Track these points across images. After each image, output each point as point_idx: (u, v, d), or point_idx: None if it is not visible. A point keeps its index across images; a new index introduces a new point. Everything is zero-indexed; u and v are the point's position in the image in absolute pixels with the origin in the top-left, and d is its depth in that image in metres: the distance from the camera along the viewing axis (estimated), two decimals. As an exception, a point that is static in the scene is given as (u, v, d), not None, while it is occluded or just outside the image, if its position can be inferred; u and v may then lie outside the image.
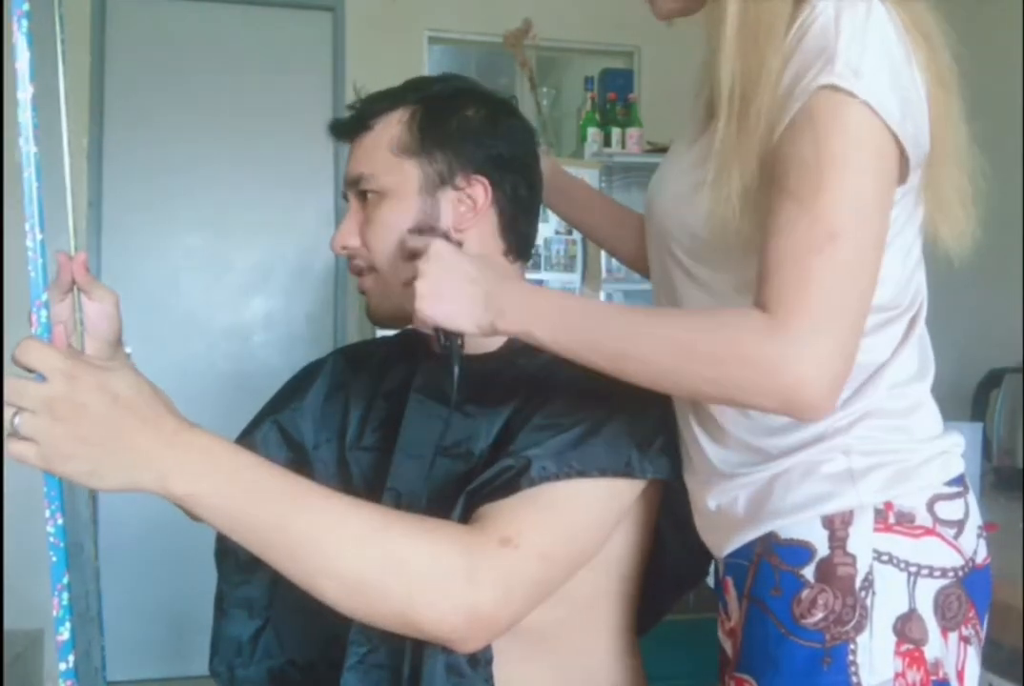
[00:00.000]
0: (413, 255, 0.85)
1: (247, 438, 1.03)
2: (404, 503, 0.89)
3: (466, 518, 0.79)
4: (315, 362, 1.11)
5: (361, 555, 0.70)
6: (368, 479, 0.96)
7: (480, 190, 0.92)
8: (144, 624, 2.99)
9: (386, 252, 0.91)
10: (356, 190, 0.94)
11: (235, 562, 1.01)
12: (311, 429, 1.04)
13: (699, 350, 0.71)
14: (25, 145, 0.65)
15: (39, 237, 0.66)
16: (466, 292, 0.79)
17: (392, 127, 0.92)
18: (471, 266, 0.80)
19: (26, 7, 0.65)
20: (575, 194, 1.18)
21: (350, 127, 0.95)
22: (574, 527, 0.80)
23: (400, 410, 0.95)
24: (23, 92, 0.65)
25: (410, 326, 0.97)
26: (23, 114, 0.65)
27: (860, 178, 0.70)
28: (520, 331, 0.77)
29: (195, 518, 0.75)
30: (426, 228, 0.90)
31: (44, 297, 0.66)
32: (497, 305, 0.78)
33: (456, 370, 0.83)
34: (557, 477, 0.79)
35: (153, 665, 3.03)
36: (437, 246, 0.81)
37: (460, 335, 0.81)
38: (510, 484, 0.78)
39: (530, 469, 0.79)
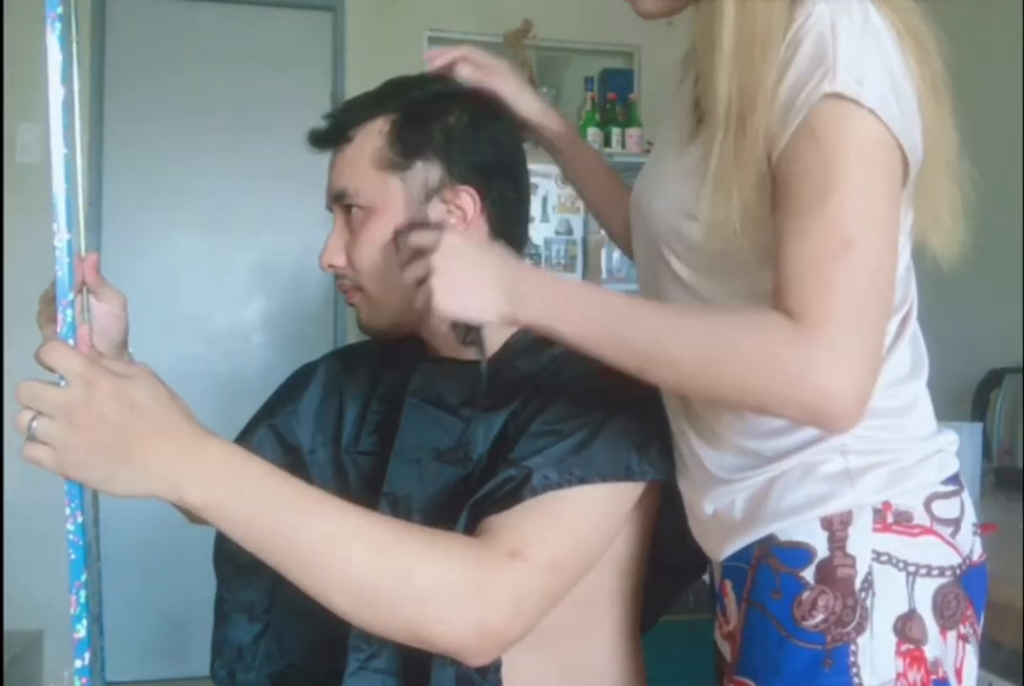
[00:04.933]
0: (418, 253, 0.81)
1: (242, 443, 1.01)
2: (401, 508, 0.88)
3: (471, 530, 0.79)
4: (308, 365, 1.10)
5: (371, 568, 0.70)
6: (366, 483, 0.96)
7: (468, 200, 0.90)
8: (144, 624, 2.99)
9: (374, 272, 0.90)
10: (340, 204, 0.92)
11: (233, 566, 1.01)
12: (307, 433, 1.03)
13: (728, 355, 0.70)
14: (56, 147, 0.65)
15: (66, 237, 0.66)
16: (486, 283, 0.76)
17: (373, 139, 0.90)
18: (488, 257, 0.78)
19: (60, 10, 0.64)
20: (579, 157, 1.14)
21: (329, 138, 0.93)
22: (579, 534, 0.80)
23: (396, 413, 0.94)
24: (55, 94, 0.65)
25: (405, 336, 0.96)
26: (54, 116, 0.65)
27: (869, 184, 0.70)
28: (542, 324, 0.75)
29: (193, 521, 0.75)
30: (418, 224, 0.87)
31: (70, 296, 0.66)
32: (518, 296, 0.75)
33: (484, 365, 0.81)
34: (559, 485, 0.78)
35: (153, 665, 3.03)
36: (450, 239, 0.78)
37: (482, 327, 0.79)
38: (513, 495, 0.78)
39: (532, 479, 0.78)
